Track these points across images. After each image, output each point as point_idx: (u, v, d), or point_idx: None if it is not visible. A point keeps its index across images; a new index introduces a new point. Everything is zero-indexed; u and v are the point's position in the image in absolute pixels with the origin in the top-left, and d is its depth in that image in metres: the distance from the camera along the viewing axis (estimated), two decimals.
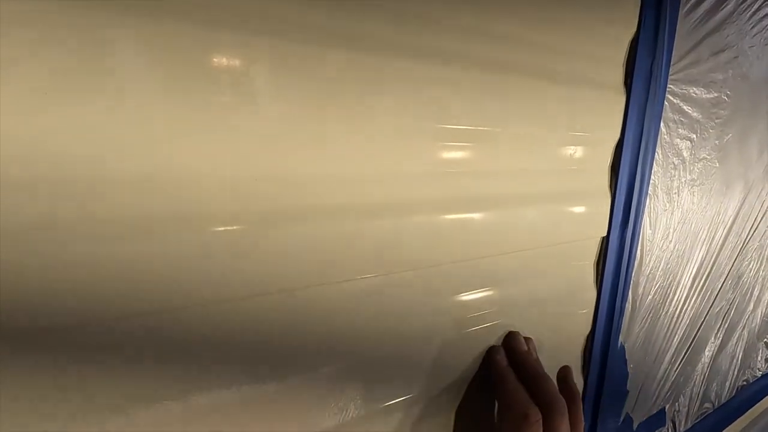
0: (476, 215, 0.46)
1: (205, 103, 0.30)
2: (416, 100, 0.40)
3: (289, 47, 0.33)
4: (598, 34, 0.54)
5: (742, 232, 0.91)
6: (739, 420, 1.06)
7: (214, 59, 0.30)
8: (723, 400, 0.99)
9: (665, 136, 0.64)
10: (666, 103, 0.63)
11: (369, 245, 0.40)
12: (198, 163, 0.31)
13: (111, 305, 0.29)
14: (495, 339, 0.53)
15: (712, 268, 0.83)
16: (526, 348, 0.52)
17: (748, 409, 1.08)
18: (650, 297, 0.71)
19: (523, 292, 0.55)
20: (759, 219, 0.95)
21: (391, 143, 0.39)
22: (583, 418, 0.50)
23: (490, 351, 0.51)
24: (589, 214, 0.59)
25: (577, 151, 0.55)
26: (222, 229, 0.32)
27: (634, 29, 0.57)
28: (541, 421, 0.44)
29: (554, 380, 0.51)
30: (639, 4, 0.56)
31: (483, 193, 0.47)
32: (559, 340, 0.61)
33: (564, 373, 0.53)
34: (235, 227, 0.33)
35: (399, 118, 0.39)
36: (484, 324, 0.51)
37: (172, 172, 0.30)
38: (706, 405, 0.95)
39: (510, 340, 0.52)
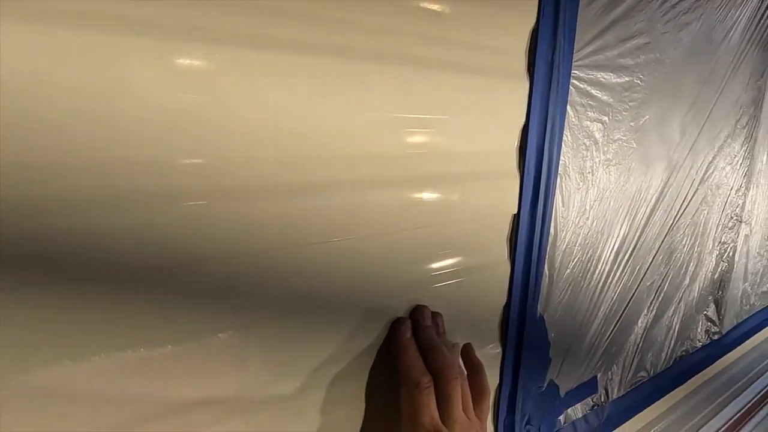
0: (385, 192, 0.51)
1: None
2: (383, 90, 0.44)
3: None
4: (499, 25, 0.58)
5: (671, 210, 0.96)
6: (678, 390, 1.12)
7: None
8: (659, 370, 1.05)
9: (573, 119, 0.69)
10: (572, 88, 0.67)
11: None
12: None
13: None
14: (402, 313, 0.57)
15: (637, 243, 0.88)
16: (429, 322, 0.56)
17: (687, 379, 1.13)
18: (569, 271, 0.75)
19: (442, 266, 0.59)
20: (690, 197, 1.00)
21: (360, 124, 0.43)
22: (488, 388, 0.55)
23: (395, 322, 0.55)
24: (499, 193, 0.64)
25: (483, 134, 0.59)
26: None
27: (534, 19, 0.61)
28: (432, 387, 0.48)
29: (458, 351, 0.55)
30: None
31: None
32: (477, 312, 0.66)
33: (465, 348, 0.58)
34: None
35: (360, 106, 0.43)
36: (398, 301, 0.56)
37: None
38: (641, 374, 1.00)
39: (415, 312, 0.56)
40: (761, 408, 1.49)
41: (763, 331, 1.44)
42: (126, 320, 0.38)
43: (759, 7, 1.02)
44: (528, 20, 0.61)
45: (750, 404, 1.41)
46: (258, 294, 0.45)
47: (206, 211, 0.40)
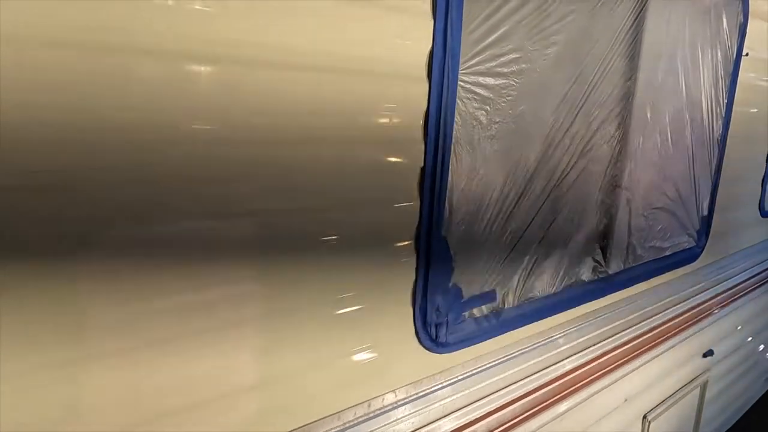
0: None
1: None
2: None
3: None
4: (403, 48, 0.96)
5: (554, 173, 1.34)
6: (568, 312, 1.50)
7: None
8: (549, 293, 1.43)
9: (462, 108, 1.07)
10: (459, 87, 1.05)
11: None
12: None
13: None
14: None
15: (522, 194, 1.26)
16: None
17: (577, 305, 1.52)
18: (465, 207, 1.13)
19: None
20: (570, 165, 1.38)
21: None
22: None
23: None
24: (409, 152, 1.02)
25: (402, 117, 0.98)
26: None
27: (430, 44, 0.99)
28: None
29: None
30: (432, 27, 0.98)
31: None
32: (397, 227, 1.04)
33: None
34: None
35: None
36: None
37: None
38: (533, 293, 1.38)
39: None
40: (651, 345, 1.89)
41: (651, 279, 1.84)
42: None
43: (621, 27, 1.41)
44: (425, 46, 0.99)
45: (635, 342, 1.81)
46: None
47: None
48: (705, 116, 1.91)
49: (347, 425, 1.02)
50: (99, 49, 0.65)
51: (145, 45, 0.68)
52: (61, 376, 0.69)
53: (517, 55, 1.15)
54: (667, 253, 1.90)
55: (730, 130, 2.06)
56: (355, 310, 1.00)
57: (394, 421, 1.10)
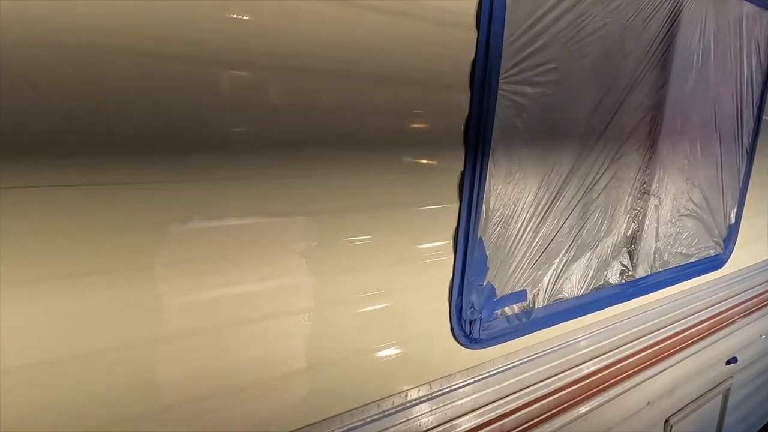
0: None
1: None
2: None
3: None
4: (449, 61, 1.02)
5: (585, 178, 1.38)
6: (595, 314, 1.54)
7: None
8: (577, 294, 1.47)
9: (500, 114, 1.12)
10: (499, 96, 1.10)
11: None
12: None
13: None
14: None
15: (554, 198, 1.31)
16: None
17: (603, 308, 1.56)
18: (500, 211, 1.19)
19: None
20: (602, 171, 1.43)
21: None
22: None
23: None
24: (451, 156, 1.07)
25: (442, 122, 1.03)
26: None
27: (473, 54, 1.05)
28: None
29: None
30: (475, 39, 1.04)
31: None
32: (437, 227, 1.10)
33: None
34: None
35: None
36: None
37: None
38: (561, 295, 1.43)
39: None
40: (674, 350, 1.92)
41: (677, 285, 1.87)
42: None
43: (654, 38, 1.44)
44: (469, 55, 1.04)
45: (659, 346, 1.84)
46: None
47: None
48: (734, 125, 1.94)
49: (386, 413, 1.08)
50: None
51: None
52: None
53: (554, 65, 1.20)
54: (693, 259, 1.92)
55: (759, 138, 2.07)
56: (397, 303, 1.06)
57: (424, 413, 1.15)
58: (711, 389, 2.27)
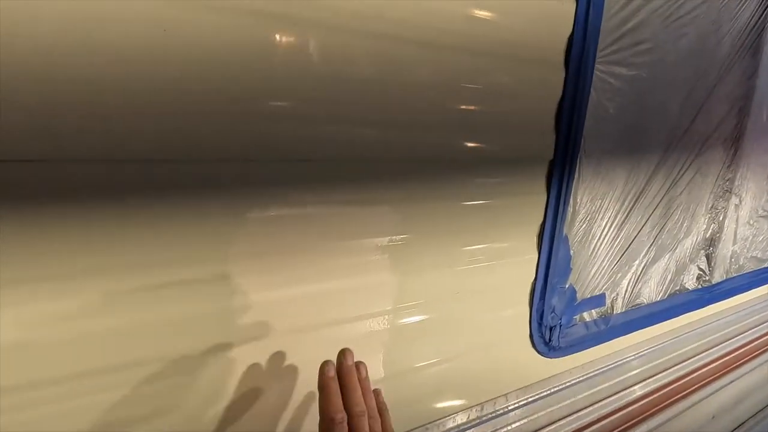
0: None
1: None
2: None
3: None
4: (544, 35, 0.90)
5: (670, 174, 1.26)
6: (672, 321, 1.42)
7: None
8: (655, 299, 1.35)
9: (594, 98, 1.00)
10: (595, 76, 0.98)
11: None
12: None
13: None
14: None
15: (640, 195, 1.19)
16: (351, 362, 0.62)
17: (680, 314, 1.43)
18: (587, 206, 1.07)
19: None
20: (686, 166, 1.30)
21: None
22: (390, 425, 0.63)
23: (322, 364, 0.61)
24: (541, 144, 0.96)
25: (532, 104, 0.92)
26: None
27: (570, 29, 0.93)
28: (345, 422, 0.55)
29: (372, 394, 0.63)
30: (573, 13, 0.92)
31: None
32: (520, 226, 0.98)
33: (376, 392, 0.65)
34: None
35: None
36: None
37: None
38: (640, 299, 1.30)
39: (340, 355, 0.63)
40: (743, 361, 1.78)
41: (753, 290, 1.73)
42: None
43: (749, 21, 1.31)
44: (566, 30, 0.92)
45: (730, 356, 1.70)
46: None
47: None
48: None
49: (461, 427, 0.97)
50: None
51: None
52: None
53: (651, 45, 1.08)
54: (767, 264, 1.78)
55: None
56: (474, 307, 0.95)
57: (502, 427, 1.04)
58: None
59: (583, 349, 1.18)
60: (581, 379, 1.19)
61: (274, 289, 0.71)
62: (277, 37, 0.63)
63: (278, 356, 0.73)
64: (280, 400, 0.74)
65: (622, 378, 1.31)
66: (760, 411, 2.03)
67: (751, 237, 1.65)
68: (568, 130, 0.97)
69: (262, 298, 0.70)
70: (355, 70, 0.70)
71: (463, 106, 0.84)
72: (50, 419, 0.57)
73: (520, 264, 1.01)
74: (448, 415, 0.95)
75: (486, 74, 0.85)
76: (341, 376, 0.60)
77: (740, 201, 1.53)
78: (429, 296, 0.88)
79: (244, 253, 0.67)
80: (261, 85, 0.63)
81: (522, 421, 1.07)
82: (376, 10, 0.70)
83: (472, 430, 0.99)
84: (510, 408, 1.05)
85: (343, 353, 0.62)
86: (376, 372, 0.83)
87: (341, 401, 0.57)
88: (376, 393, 0.64)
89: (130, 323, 0.60)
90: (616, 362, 1.28)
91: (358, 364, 0.63)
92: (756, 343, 1.84)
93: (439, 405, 0.95)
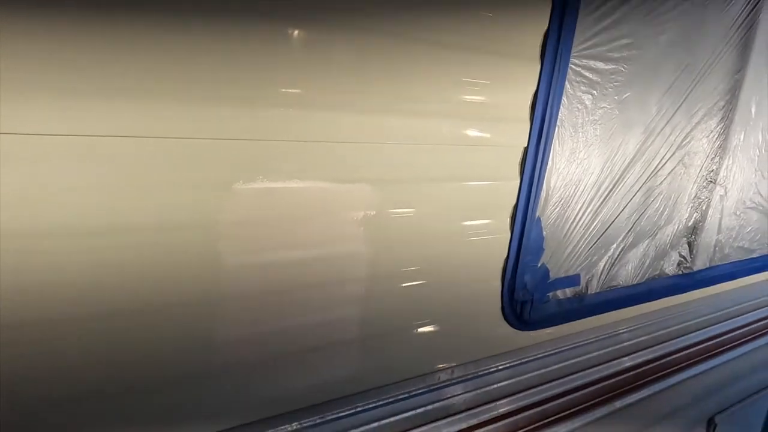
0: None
1: None
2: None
3: None
4: (519, 30, 0.97)
5: (650, 163, 1.32)
6: (649, 304, 1.49)
7: None
8: (632, 282, 1.42)
9: (569, 90, 1.07)
10: (570, 69, 1.05)
11: None
12: None
13: None
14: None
15: (617, 182, 1.25)
16: None
17: (658, 298, 1.50)
18: (560, 190, 1.14)
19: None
20: (667, 157, 1.36)
21: None
22: None
23: None
24: (515, 131, 1.03)
25: (507, 95, 0.99)
26: None
27: (546, 25, 0.99)
28: None
29: None
30: (550, 8, 0.99)
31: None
32: (495, 206, 1.06)
33: None
34: None
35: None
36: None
37: None
38: (616, 282, 1.38)
39: None
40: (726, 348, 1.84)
41: (735, 280, 1.78)
42: None
43: (737, 17, 1.35)
44: (541, 25, 0.99)
45: (710, 342, 1.76)
46: None
47: None
48: None
49: (431, 388, 1.07)
50: None
51: None
52: None
53: (630, 41, 1.14)
54: (755, 255, 1.83)
55: None
56: (449, 281, 1.04)
57: (468, 392, 1.13)
58: (758, 391, 2.18)
59: (555, 324, 1.26)
60: (552, 352, 1.28)
61: None
62: None
63: None
64: None
65: (594, 354, 1.39)
66: (743, 399, 2.09)
67: (737, 227, 1.70)
68: (542, 119, 1.04)
69: None
70: None
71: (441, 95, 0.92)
72: None
73: (493, 242, 1.09)
74: (419, 376, 1.05)
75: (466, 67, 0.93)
76: None
77: (725, 192, 1.58)
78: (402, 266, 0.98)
79: None
80: None
81: (489, 388, 1.16)
82: None
83: (441, 391, 1.09)
84: (479, 373, 1.14)
85: None
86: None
87: None
88: None
89: None
90: (589, 339, 1.36)
91: None
92: (740, 331, 1.90)
93: (413, 366, 1.05)
